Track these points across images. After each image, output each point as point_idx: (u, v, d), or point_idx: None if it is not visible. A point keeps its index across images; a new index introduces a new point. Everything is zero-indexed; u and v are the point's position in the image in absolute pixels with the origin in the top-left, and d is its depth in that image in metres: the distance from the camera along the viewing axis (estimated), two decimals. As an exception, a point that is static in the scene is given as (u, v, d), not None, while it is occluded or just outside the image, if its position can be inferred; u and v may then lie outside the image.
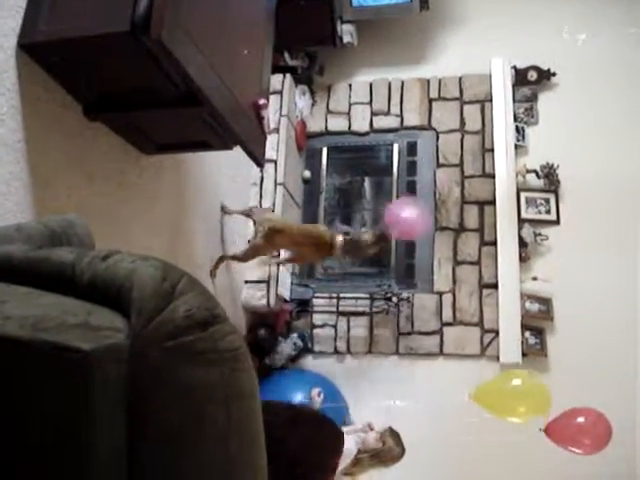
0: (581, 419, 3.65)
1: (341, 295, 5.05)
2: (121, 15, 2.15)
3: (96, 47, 2.27)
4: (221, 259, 4.15)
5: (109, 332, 0.90)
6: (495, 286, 4.81)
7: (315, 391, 3.96)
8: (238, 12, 2.88)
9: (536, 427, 3.67)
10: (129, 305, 0.94)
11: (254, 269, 4.67)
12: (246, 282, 4.70)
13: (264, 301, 4.62)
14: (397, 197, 5.24)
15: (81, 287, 1.03)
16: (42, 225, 1.43)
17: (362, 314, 4.99)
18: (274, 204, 4.83)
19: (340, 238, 4.05)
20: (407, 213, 4.35)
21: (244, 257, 4.16)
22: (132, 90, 2.57)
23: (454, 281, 4.96)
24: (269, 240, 3.97)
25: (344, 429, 3.46)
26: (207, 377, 0.93)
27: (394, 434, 3.28)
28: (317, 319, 5.05)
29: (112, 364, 0.88)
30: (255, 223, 4.10)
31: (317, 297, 5.05)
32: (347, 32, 5.41)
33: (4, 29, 2.28)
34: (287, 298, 4.86)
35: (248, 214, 4.27)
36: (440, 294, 4.95)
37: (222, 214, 4.32)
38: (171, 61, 2.22)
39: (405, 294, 4.93)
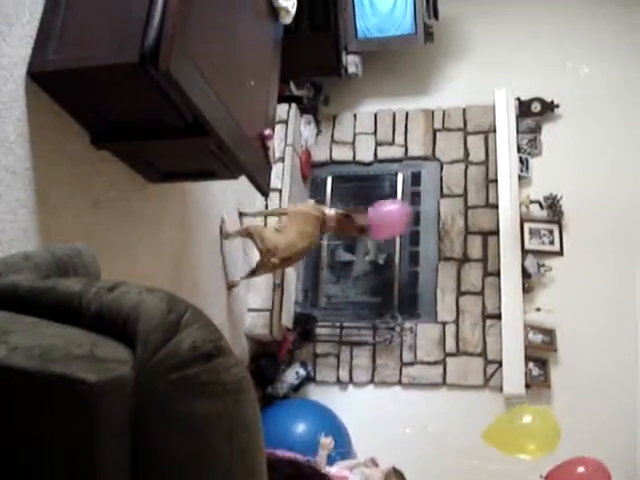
0: (582, 469, 3.62)
1: (344, 324, 5.04)
2: (130, 46, 2.18)
3: (104, 77, 2.30)
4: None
5: (114, 364, 0.91)
6: (498, 317, 4.79)
7: (326, 440, 3.56)
8: (246, 43, 2.92)
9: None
10: (135, 336, 0.95)
11: (258, 296, 4.69)
12: (249, 310, 4.70)
13: (267, 330, 4.62)
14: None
15: (88, 318, 1.03)
16: (49, 253, 1.45)
17: (365, 344, 4.99)
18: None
19: (332, 212, 4.22)
20: (388, 209, 4.41)
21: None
22: (139, 119, 2.60)
23: (457, 311, 4.95)
24: (277, 266, 4.14)
25: (347, 463, 3.43)
26: (211, 409, 0.94)
27: (398, 474, 3.25)
28: (320, 348, 5.04)
29: (117, 396, 0.89)
30: (255, 242, 4.09)
31: (320, 326, 5.04)
32: (352, 63, 5.47)
33: (14, 58, 2.31)
34: (290, 327, 4.86)
35: (246, 234, 4.24)
36: (443, 324, 4.94)
37: (222, 237, 4.30)
38: (178, 92, 2.24)
39: (408, 324, 4.92)
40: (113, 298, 1.03)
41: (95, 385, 0.87)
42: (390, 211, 4.41)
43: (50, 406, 0.88)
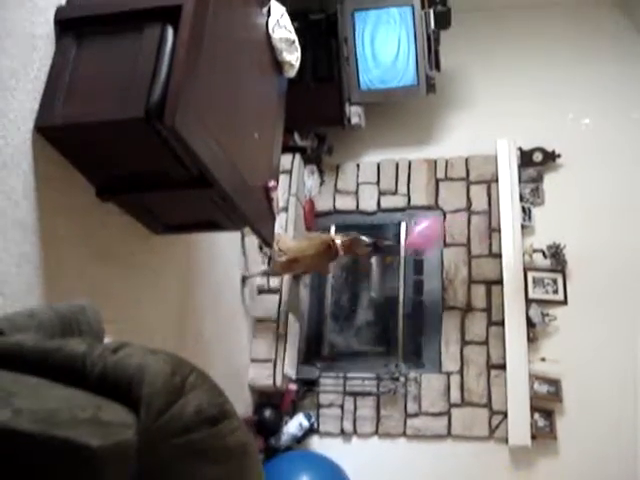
0: None
1: (348, 375, 5.00)
2: (136, 101, 2.21)
3: (110, 131, 2.33)
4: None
5: (118, 428, 0.90)
6: (503, 367, 4.75)
7: None
8: (250, 97, 2.97)
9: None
10: (139, 399, 0.95)
11: (261, 346, 4.68)
12: (253, 360, 4.68)
13: (270, 380, 4.59)
14: (404, 273, 5.29)
15: (92, 380, 1.03)
16: (53, 311, 1.45)
17: (369, 394, 4.94)
18: (281, 282, 4.86)
19: (338, 239, 4.41)
20: (421, 226, 4.99)
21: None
22: (144, 172, 2.62)
23: (462, 361, 4.91)
24: (286, 268, 4.51)
25: None
26: (215, 473, 0.93)
27: None
28: (323, 399, 4.99)
29: (120, 460, 0.88)
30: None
31: (324, 376, 5.01)
32: (355, 114, 5.53)
33: (22, 112, 2.33)
34: (293, 377, 4.82)
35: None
36: (448, 374, 4.89)
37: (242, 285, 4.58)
38: (183, 147, 2.27)
39: (413, 374, 4.88)
40: (117, 360, 1.03)
41: (98, 450, 0.86)
42: (428, 225, 4.97)
43: (54, 470, 0.88)
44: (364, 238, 4.46)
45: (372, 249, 4.55)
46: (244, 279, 4.59)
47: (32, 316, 1.38)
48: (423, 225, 5.06)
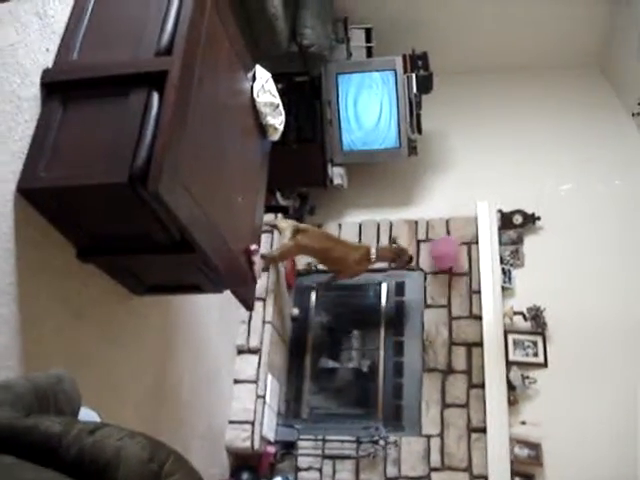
0: None
1: (327, 437, 4.93)
2: (120, 166, 2.22)
3: (93, 195, 2.33)
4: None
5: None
6: (484, 430, 4.72)
7: None
8: (235, 160, 2.98)
9: None
10: (115, 485, 0.93)
11: (240, 407, 4.62)
12: (231, 422, 4.61)
13: (248, 443, 4.52)
14: (385, 333, 5.28)
15: (67, 461, 1.01)
16: (30, 382, 1.42)
17: (348, 457, 4.86)
18: (261, 342, 4.82)
19: (373, 250, 4.96)
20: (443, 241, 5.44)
21: (278, 257, 4.87)
22: (126, 235, 2.62)
23: (442, 424, 4.86)
24: (296, 239, 4.70)
25: None
26: None
27: None
28: (302, 462, 4.90)
29: None
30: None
31: (302, 439, 4.93)
32: (337, 174, 5.60)
33: (5, 174, 2.33)
34: (272, 439, 4.75)
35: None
36: (428, 437, 4.84)
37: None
38: (166, 212, 2.27)
39: (392, 437, 4.82)
40: (94, 442, 1.01)
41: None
42: (446, 240, 5.39)
43: None
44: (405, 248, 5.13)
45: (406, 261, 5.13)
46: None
47: (7, 388, 1.35)
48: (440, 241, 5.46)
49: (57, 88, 2.52)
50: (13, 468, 1.02)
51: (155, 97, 2.36)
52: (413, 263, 5.30)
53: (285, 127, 3.61)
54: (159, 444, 0.99)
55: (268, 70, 3.42)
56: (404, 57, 5.44)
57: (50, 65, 2.58)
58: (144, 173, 2.17)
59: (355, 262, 5.00)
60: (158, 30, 2.49)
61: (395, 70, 5.42)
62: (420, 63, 5.45)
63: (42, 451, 1.05)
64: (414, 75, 5.41)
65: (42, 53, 2.56)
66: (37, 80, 2.52)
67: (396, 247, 5.20)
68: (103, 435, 1.02)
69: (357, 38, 5.75)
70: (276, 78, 3.53)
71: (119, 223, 2.53)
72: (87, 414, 1.54)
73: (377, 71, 5.48)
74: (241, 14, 4.35)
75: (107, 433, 1.02)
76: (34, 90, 2.50)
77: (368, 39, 5.77)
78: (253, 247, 3.08)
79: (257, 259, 3.09)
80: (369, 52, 5.80)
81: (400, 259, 5.12)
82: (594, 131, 5.79)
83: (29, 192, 2.39)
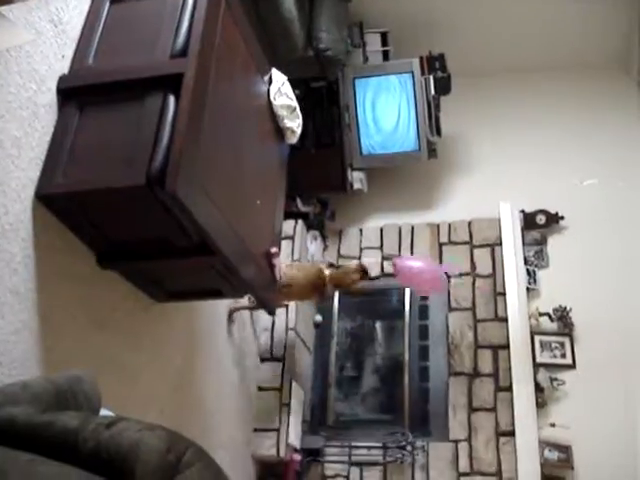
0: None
1: (353, 444, 4.88)
2: (137, 168, 2.22)
3: (112, 199, 2.33)
4: None
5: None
6: (512, 434, 4.64)
7: None
8: (252, 164, 2.97)
9: None
10: (133, 477, 0.90)
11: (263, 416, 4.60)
12: (256, 430, 4.58)
13: (274, 450, 4.48)
14: (409, 338, 5.21)
15: (84, 456, 0.99)
16: (49, 382, 1.41)
17: (375, 464, 4.81)
18: (285, 349, 4.79)
19: (327, 271, 4.31)
20: (419, 266, 4.59)
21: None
22: (145, 240, 2.61)
23: (470, 428, 4.80)
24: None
25: None
26: None
27: None
28: (328, 469, 4.85)
29: None
30: None
31: (328, 446, 4.89)
32: (357, 179, 5.57)
33: (23, 180, 2.34)
34: (297, 447, 4.71)
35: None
36: (456, 442, 4.77)
37: None
38: (185, 214, 2.26)
39: (420, 443, 4.76)
40: (111, 435, 0.99)
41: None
42: (423, 272, 4.54)
43: None
44: (352, 265, 4.47)
45: (361, 276, 4.42)
46: (231, 313, 4.30)
47: (25, 387, 1.34)
48: (418, 264, 4.64)
49: (73, 94, 2.53)
50: (31, 465, 1.00)
51: (171, 100, 2.36)
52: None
53: (303, 133, 3.61)
54: (178, 436, 0.97)
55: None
56: (421, 59, 5.41)
57: (66, 71, 2.59)
58: (162, 175, 2.17)
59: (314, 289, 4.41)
60: (172, 33, 2.49)
61: (412, 72, 5.38)
62: (437, 65, 5.41)
63: (60, 446, 1.03)
64: (432, 77, 5.37)
65: (58, 59, 2.57)
66: (53, 86, 2.53)
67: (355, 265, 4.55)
68: (120, 428, 1.00)
69: (373, 42, 5.73)
70: (293, 84, 3.53)
71: (138, 228, 2.53)
72: (106, 415, 1.52)
73: (394, 74, 5.46)
74: (257, 20, 4.35)
75: (125, 426, 1.00)
76: (50, 96, 2.51)
77: (384, 43, 5.75)
78: (273, 250, 3.06)
79: (277, 262, 3.07)
80: (385, 56, 5.77)
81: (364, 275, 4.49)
82: (616, 131, 5.71)
83: (48, 198, 2.40)
